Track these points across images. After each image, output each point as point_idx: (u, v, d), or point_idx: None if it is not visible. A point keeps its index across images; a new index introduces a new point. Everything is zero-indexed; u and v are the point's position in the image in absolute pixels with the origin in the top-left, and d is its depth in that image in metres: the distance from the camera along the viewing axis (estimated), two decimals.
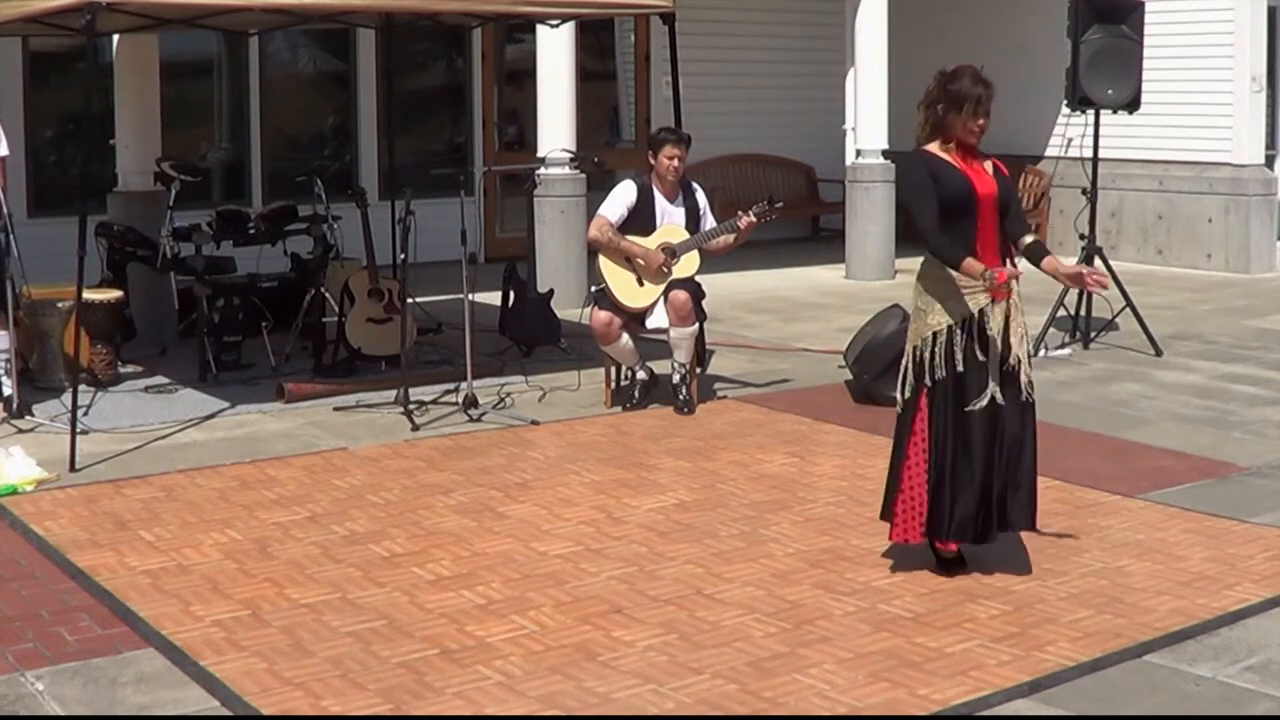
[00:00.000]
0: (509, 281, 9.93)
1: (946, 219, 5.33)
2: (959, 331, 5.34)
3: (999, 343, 5.34)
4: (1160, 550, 5.80)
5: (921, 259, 5.48)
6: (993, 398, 5.33)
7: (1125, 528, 6.08)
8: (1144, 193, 14.40)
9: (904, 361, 5.47)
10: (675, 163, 8.17)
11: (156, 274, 9.71)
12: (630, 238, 8.13)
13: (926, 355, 5.36)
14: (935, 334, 5.36)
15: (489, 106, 14.71)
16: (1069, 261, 5.90)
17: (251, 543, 5.92)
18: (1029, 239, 5.53)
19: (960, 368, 5.32)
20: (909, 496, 5.41)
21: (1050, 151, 14.34)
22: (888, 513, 5.52)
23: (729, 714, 4.35)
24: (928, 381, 5.36)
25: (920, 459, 5.38)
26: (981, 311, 5.33)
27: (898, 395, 5.50)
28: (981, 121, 5.34)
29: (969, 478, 5.34)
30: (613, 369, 8.47)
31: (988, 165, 5.45)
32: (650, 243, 8.12)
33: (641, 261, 8.11)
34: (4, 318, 8.09)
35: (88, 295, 8.31)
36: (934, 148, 5.42)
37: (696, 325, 8.24)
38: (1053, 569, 5.53)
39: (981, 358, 5.33)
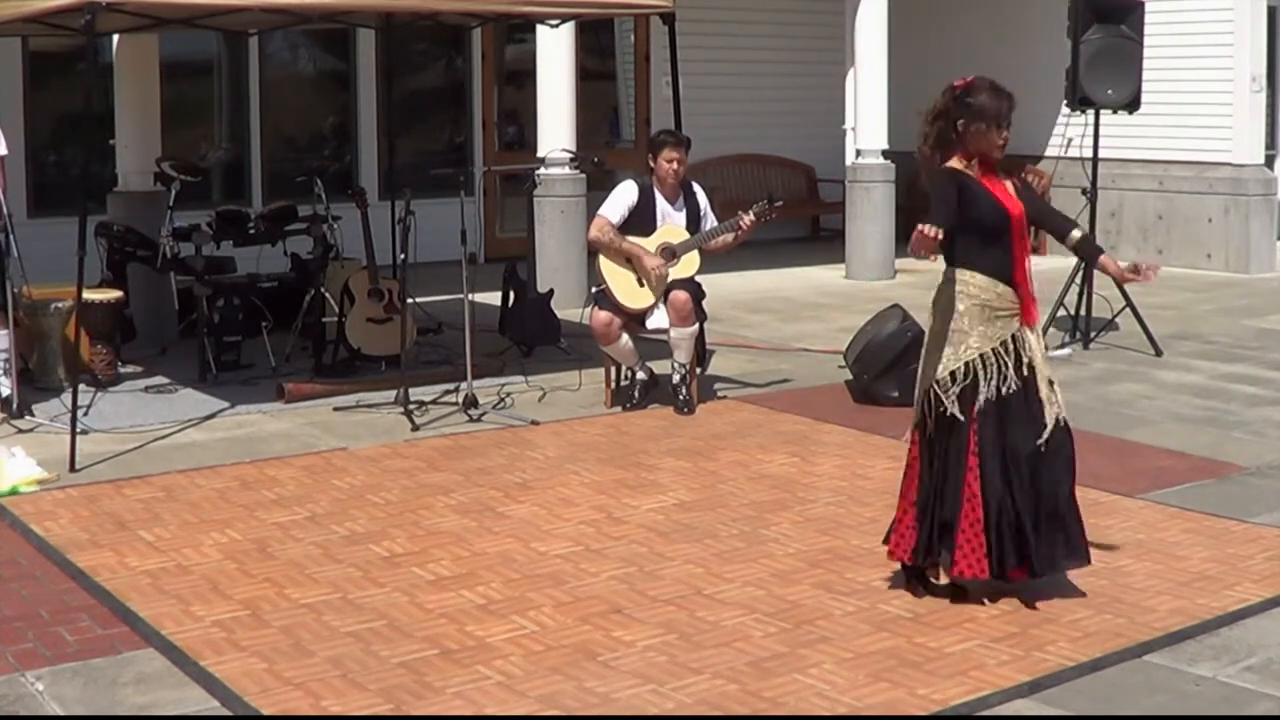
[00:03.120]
0: (509, 281, 9.93)
1: (983, 242, 5.14)
2: (1000, 356, 5.12)
3: (1037, 366, 5.17)
4: (1160, 550, 5.80)
5: (949, 276, 5.22)
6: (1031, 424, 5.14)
7: (1125, 528, 6.08)
8: (1144, 193, 14.40)
9: (935, 387, 5.16)
10: (675, 166, 8.16)
11: (156, 274, 9.71)
12: (630, 238, 8.13)
13: (965, 383, 5.10)
14: (976, 359, 5.11)
15: (489, 106, 14.71)
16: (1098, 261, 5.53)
17: (251, 543, 5.92)
18: (1077, 234, 5.36)
19: (1005, 392, 5.11)
20: (970, 529, 5.12)
21: (1050, 151, 14.32)
22: (940, 550, 5.19)
23: (729, 714, 4.35)
24: (972, 405, 5.10)
25: (975, 491, 5.11)
26: (1013, 337, 5.15)
27: (928, 423, 5.21)
28: (1006, 134, 5.17)
29: (1031, 506, 5.13)
30: (613, 369, 8.47)
31: (1009, 185, 5.25)
32: (650, 243, 8.12)
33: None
34: (4, 318, 8.09)
35: (88, 295, 8.31)
36: (957, 164, 5.20)
37: (696, 325, 8.24)
38: None
39: (1023, 382, 5.12)
